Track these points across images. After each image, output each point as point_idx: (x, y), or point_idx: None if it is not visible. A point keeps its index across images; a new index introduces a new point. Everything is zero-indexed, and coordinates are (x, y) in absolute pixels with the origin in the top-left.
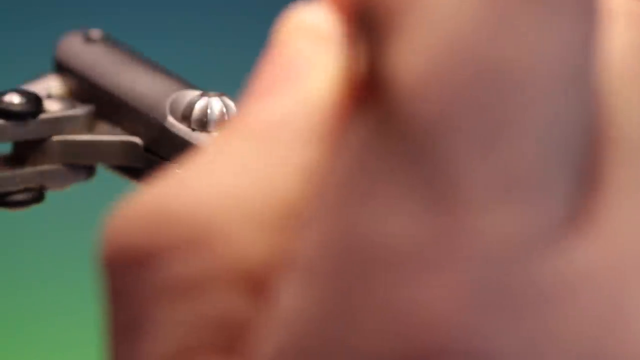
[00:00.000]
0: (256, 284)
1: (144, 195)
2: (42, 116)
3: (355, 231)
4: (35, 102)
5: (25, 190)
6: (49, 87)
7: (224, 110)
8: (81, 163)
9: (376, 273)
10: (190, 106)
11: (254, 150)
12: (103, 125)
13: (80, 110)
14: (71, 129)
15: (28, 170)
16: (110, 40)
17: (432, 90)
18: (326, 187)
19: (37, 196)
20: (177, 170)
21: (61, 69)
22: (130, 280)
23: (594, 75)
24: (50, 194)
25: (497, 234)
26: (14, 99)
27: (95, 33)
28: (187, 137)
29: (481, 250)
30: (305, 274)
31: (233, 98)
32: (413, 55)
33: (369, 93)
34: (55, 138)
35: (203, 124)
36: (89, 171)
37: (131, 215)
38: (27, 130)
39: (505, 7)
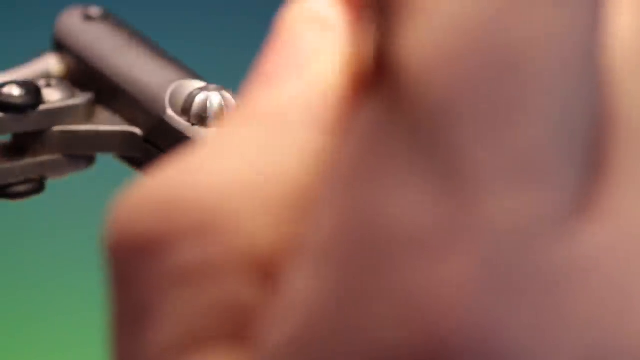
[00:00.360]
0: (265, 270)
1: (151, 181)
2: (42, 107)
3: (364, 215)
4: (34, 94)
5: (26, 181)
6: (48, 65)
7: (223, 104)
8: (81, 153)
9: (386, 256)
10: (190, 100)
11: (262, 135)
12: (103, 113)
13: (80, 99)
14: (71, 119)
15: (28, 161)
16: (109, 19)
17: (440, 72)
18: (335, 171)
19: (38, 187)
20: (184, 157)
21: (60, 47)
22: (137, 268)
23: (600, 59)
24: (50, 184)
25: (506, 218)
26: (14, 91)
27: (95, 10)
28: (186, 132)
29: (490, 234)
30: (316, 259)
31: (233, 91)
32: (421, 38)
33: (377, 76)
34: (55, 128)
35: (202, 119)
36: (89, 160)
37: (138, 202)
38: (27, 122)
39: None
